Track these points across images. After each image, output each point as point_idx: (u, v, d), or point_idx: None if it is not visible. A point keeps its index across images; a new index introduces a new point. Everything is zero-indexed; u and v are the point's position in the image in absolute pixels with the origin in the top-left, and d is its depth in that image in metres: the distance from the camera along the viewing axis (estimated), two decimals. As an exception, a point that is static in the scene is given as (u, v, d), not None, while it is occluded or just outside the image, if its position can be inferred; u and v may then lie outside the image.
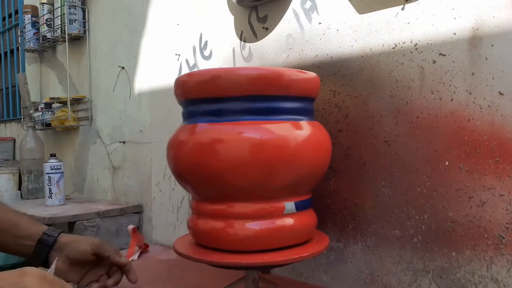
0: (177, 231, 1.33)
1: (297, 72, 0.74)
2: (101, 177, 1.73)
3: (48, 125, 1.95)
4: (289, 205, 0.72)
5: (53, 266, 0.68)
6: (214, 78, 0.71)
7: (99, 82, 1.74)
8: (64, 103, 1.85)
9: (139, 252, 1.22)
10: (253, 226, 0.70)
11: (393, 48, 0.81)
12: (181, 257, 0.75)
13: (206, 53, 1.22)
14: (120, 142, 1.62)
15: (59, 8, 1.79)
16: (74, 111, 1.85)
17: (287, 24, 1.00)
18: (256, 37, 1.07)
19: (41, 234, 0.82)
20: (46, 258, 0.81)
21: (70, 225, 1.47)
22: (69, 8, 1.73)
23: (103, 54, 1.71)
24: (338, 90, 0.90)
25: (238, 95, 0.70)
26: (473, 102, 0.72)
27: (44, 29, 1.92)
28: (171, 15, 1.35)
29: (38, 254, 0.81)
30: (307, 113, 0.76)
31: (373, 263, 0.86)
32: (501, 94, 0.69)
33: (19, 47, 2.41)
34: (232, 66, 1.13)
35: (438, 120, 0.76)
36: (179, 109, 0.79)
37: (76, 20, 1.75)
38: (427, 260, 0.78)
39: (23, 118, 2.16)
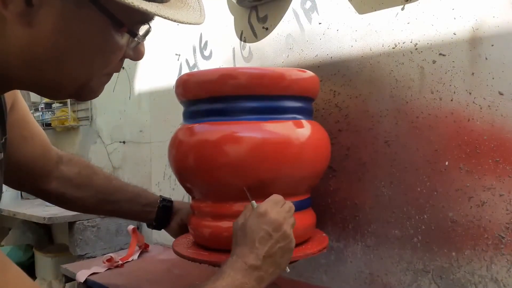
0: (177, 231, 1.32)
1: (297, 71, 0.74)
2: (101, 177, 1.73)
3: (48, 125, 1.95)
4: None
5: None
6: (214, 78, 0.71)
7: (99, 82, 1.74)
8: (64, 103, 1.85)
9: (139, 252, 1.22)
10: (253, 226, 0.70)
11: (393, 48, 0.81)
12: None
13: (206, 53, 1.22)
14: (120, 142, 1.62)
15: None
16: (74, 111, 1.85)
17: (287, 24, 1.00)
18: (256, 37, 1.07)
19: (159, 201, 0.90)
20: (167, 221, 0.91)
21: (70, 225, 1.46)
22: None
23: (103, 54, 1.71)
24: (338, 90, 0.90)
25: (239, 95, 0.70)
26: (473, 102, 0.72)
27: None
28: (171, 15, 1.35)
29: (162, 218, 0.90)
30: (307, 112, 0.76)
31: (373, 263, 0.86)
32: (501, 94, 0.69)
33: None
34: (232, 66, 1.13)
35: (438, 120, 0.76)
36: (179, 109, 0.79)
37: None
38: (427, 260, 0.78)
39: (23, 118, 2.16)
